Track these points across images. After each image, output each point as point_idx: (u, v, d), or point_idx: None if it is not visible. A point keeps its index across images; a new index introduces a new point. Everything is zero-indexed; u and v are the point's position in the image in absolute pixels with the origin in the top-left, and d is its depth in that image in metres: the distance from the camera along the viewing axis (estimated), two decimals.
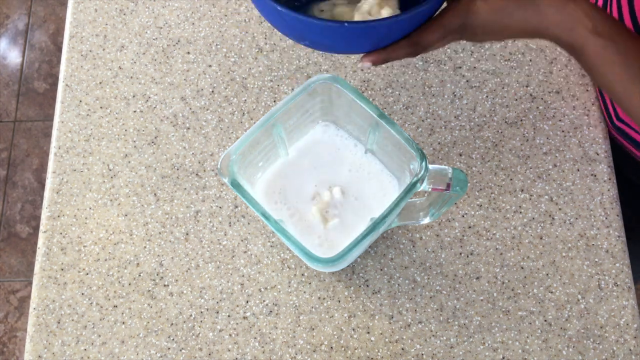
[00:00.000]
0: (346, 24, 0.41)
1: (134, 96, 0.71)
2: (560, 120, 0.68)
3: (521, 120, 0.68)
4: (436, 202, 0.53)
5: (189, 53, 0.73)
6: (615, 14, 0.60)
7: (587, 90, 0.69)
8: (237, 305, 0.63)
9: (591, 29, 0.41)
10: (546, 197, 0.65)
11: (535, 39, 0.45)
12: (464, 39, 0.46)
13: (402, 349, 0.61)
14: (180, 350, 0.62)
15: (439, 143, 0.68)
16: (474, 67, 0.70)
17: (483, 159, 0.67)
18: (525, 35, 0.45)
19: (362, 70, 0.70)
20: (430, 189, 0.49)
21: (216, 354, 0.61)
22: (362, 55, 0.46)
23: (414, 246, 0.64)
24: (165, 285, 0.64)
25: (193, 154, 0.69)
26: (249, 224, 0.66)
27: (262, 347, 0.61)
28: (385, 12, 0.47)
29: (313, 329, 0.62)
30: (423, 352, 0.61)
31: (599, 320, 0.61)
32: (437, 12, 0.45)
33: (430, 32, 0.45)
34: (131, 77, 0.72)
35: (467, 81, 0.70)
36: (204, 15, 0.75)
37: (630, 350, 0.60)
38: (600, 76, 0.44)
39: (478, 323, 0.61)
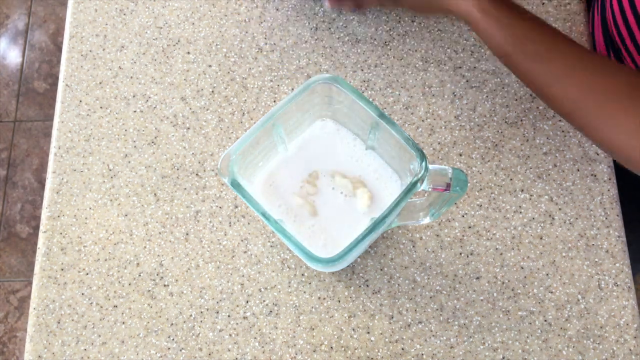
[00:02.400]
0: None
1: (134, 96, 0.71)
2: (560, 120, 0.68)
3: (521, 120, 0.68)
4: (436, 202, 0.53)
5: (189, 53, 0.73)
6: (615, 7, 0.60)
7: None
8: (237, 305, 0.63)
9: (477, 7, 0.54)
10: (546, 197, 0.65)
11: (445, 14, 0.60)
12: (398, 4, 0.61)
13: (402, 349, 0.61)
14: (180, 350, 0.62)
15: (439, 143, 0.68)
16: (474, 67, 0.70)
17: (483, 159, 0.67)
18: (437, 9, 0.58)
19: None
20: (430, 189, 0.49)
21: (216, 354, 0.61)
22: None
23: (414, 246, 0.64)
24: (165, 285, 0.64)
25: (193, 154, 0.69)
26: (249, 224, 0.66)
27: (262, 347, 0.61)
28: None
29: (313, 329, 0.62)
30: (423, 352, 0.61)
31: (599, 320, 0.61)
32: None
33: None
34: (131, 77, 0.72)
35: (467, 81, 0.70)
36: (204, 15, 0.75)
37: (630, 350, 0.60)
38: (489, 45, 0.56)
39: (478, 323, 0.61)
